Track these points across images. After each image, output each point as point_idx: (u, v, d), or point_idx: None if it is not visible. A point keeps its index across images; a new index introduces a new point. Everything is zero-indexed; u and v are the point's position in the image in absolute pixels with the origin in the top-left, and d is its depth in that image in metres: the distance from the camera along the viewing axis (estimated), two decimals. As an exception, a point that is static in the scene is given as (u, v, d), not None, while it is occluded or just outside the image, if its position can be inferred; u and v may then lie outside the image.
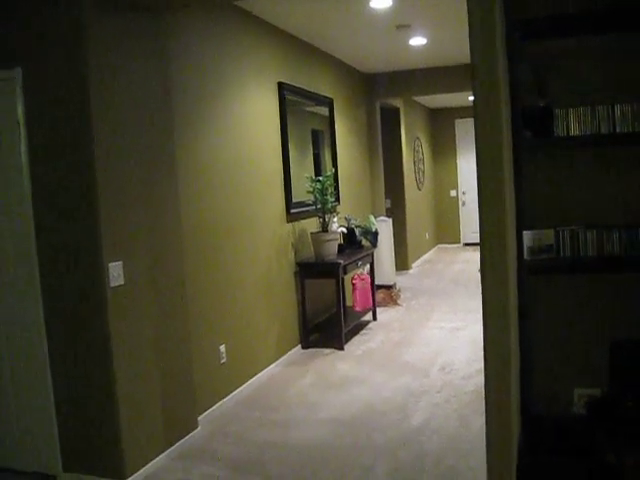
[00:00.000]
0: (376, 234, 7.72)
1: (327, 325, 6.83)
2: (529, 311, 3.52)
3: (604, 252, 3.37)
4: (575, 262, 3.41)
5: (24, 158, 3.91)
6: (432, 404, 4.90)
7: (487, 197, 3.13)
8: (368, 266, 7.53)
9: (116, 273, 3.88)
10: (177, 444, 4.40)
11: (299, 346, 6.60)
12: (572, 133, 3.33)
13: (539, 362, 3.56)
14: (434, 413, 4.73)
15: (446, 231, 14.49)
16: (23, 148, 3.90)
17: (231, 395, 5.26)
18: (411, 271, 10.99)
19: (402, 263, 10.65)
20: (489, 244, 3.14)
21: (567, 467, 3.16)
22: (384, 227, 8.84)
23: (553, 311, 3.53)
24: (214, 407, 5.01)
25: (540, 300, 3.54)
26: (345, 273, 6.61)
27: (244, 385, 5.44)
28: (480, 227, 3.16)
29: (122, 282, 3.92)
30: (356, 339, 6.81)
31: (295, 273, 6.57)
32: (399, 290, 8.41)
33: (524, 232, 3.44)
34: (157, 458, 4.21)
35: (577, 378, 3.53)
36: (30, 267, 3.99)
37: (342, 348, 6.41)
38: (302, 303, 6.55)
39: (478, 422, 3.19)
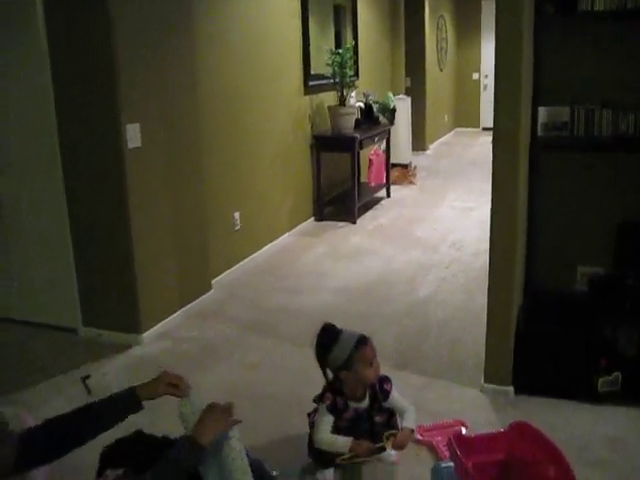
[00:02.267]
0: (394, 111, 7.66)
1: (341, 199, 6.91)
2: (539, 188, 3.56)
3: (619, 132, 3.35)
4: (589, 141, 3.40)
5: (40, 9, 3.87)
6: (440, 278, 5.04)
7: (503, 70, 3.11)
8: (384, 143, 7.53)
9: (133, 135, 3.92)
10: (191, 304, 4.59)
11: (312, 218, 6.72)
12: (597, 8, 3.23)
13: (546, 239, 3.63)
14: (441, 286, 4.87)
15: (465, 114, 14.30)
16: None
17: (244, 261, 5.42)
18: (428, 152, 10.96)
19: (419, 143, 10.60)
20: (502, 117, 3.15)
21: (565, 336, 3.29)
22: (402, 105, 8.76)
23: (563, 189, 3.56)
24: (227, 272, 5.18)
25: (551, 178, 3.56)
26: (361, 148, 6.62)
27: (257, 252, 5.59)
28: (495, 100, 3.16)
29: (139, 144, 3.98)
30: (369, 214, 6.90)
31: (311, 146, 6.59)
32: (414, 169, 8.42)
33: (539, 108, 3.42)
34: (171, 316, 4.40)
35: (581, 257, 3.60)
36: (50, 131, 4.04)
37: (355, 222, 6.52)
38: (317, 176, 6.61)
39: (483, 297, 3.30)
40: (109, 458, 2.52)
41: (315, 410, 2.78)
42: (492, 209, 3.25)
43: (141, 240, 4.06)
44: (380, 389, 2.73)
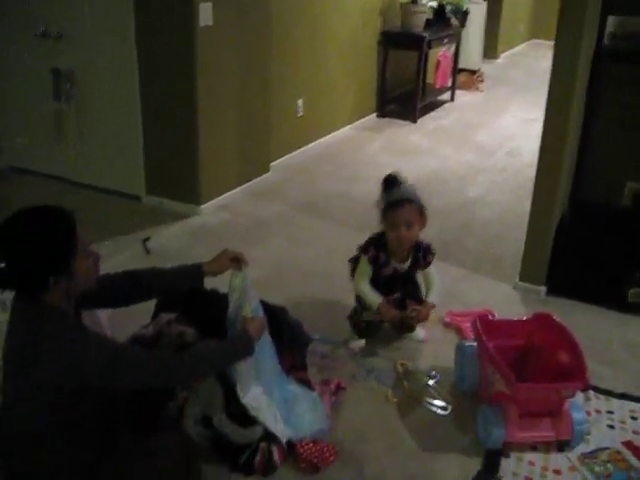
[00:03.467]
0: (466, 14, 7.54)
1: (404, 98, 6.94)
2: (598, 99, 3.58)
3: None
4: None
5: None
6: (491, 181, 5.14)
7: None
8: (454, 46, 7.45)
9: (206, 13, 4.04)
10: (249, 183, 4.81)
11: (374, 114, 6.78)
12: None
13: (598, 151, 3.66)
14: (491, 189, 4.98)
15: (543, 26, 13.81)
16: None
17: (304, 148, 5.60)
18: (498, 60, 10.73)
19: (490, 51, 10.36)
20: (565, 25, 3.15)
21: (603, 244, 3.40)
22: (477, 10, 8.57)
23: (622, 103, 3.55)
24: (287, 157, 5.36)
25: (611, 90, 3.54)
26: (429, 48, 6.59)
27: (317, 141, 5.73)
28: (560, 7, 3.16)
29: (210, 23, 4.10)
30: (431, 115, 6.93)
31: (379, 42, 6.57)
32: (482, 75, 8.32)
33: (609, 17, 3.41)
34: (230, 192, 4.64)
35: (632, 173, 3.63)
36: (125, 6, 4.18)
37: (415, 121, 6.57)
38: (382, 72, 6.62)
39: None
40: (164, 303, 2.81)
41: (356, 258, 2.96)
42: (546, 115, 3.31)
43: (206, 116, 4.25)
44: (423, 257, 2.91)
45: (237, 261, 2.41)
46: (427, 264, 2.92)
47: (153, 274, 2.43)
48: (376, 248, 2.86)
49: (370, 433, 2.55)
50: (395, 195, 2.77)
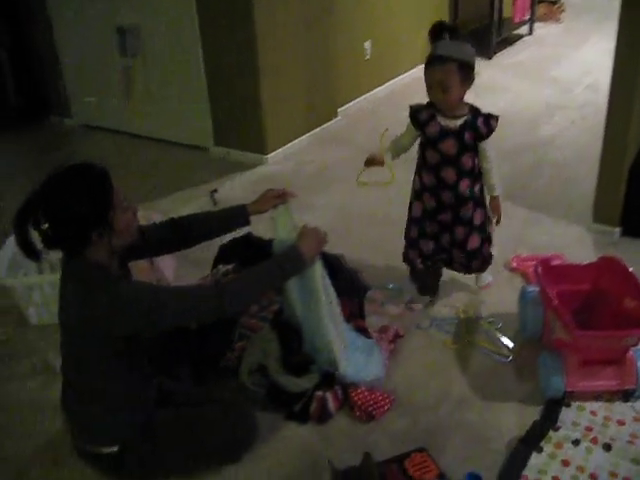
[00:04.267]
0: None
1: (478, 34, 6.66)
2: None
3: None
4: None
5: None
6: (569, 118, 4.92)
7: None
8: (533, -24, 7.09)
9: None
10: (316, 130, 4.77)
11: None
12: None
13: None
14: (568, 127, 4.77)
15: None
16: None
17: (373, 92, 5.48)
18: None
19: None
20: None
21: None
22: None
23: None
24: (354, 101, 5.27)
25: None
26: (505, -21, 6.30)
27: (386, 84, 5.59)
28: None
29: (271, -34, 4.04)
30: (507, 50, 6.65)
31: (451, -25, 6.32)
32: (563, 5, 7.90)
33: None
34: (296, 140, 4.63)
35: None
36: None
37: (490, 57, 6.33)
38: (455, 5, 6.36)
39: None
40: (223, 254, 2.84)
41: None
42: (617, 45, 3.11)
43: (270, 64, 4.22)
44: (485, 122, 2.55)
45: (281, 198, 2.40)
46: (489, 131, 2.54)
47: (198, 219, 2.46)
48: (424, 106, 2.60)
49: (427, 382, 2.53)
50: (432, 51, 2.45)
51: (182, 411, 2.23)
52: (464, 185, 2.62)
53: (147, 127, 4.91)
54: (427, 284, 2.96)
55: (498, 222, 2.76)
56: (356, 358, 2.48)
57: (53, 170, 1.91)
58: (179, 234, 2.38)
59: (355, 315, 2.69)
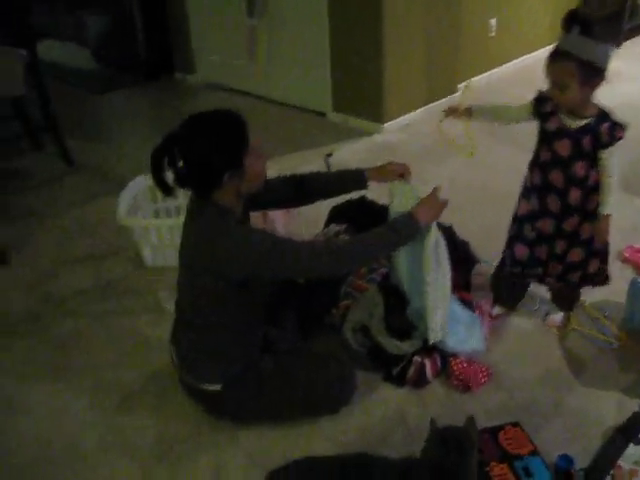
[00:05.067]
0: None
1: (608, 19, 6.38)
2: None
3: None
4: None
5: None
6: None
7: None
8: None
9: None
10: (434, 103, 4.75)
11: (576, 35, 6.35)
12: None
13: None
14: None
15: None
16: None
17: (496, 70, 5.41)
18: None
19: None
20: None
21: None
22: None
23: None
24: (478, 77, 5.20)
25: None
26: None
27: (511, 62, 5.49)
28: None
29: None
30: (638, 39, 6.38)
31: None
32: None
33: None
34: (414, 112, 4.64)
35: None
36: None
37: (620, 45, 6.09)
38: (587, -10, 6.15)
39: None
40: (336, 214, 2.91)
41: None
42: None
43: (393, 35, 4.23)
44: (609, 129, 2.23)
45: (401, 175, 2.40)
46: (612, 140, 2.22)
47: (319, 178, 2.53)
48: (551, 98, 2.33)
49: (527, 360, 2.53)
50: (557, 44, 2.21)
51: (285, 359, 2.31)
52: (574, 195, 2.34)
53: (268, 88, 5.02)
54: (506, 294, 2.76)
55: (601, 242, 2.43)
56: (457, 329, 2.49)
57: (193, 113, 2.01)
58: (299, 190, 2.46)
59: (460, 286, 2.69)
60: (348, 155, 4.17)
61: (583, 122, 2.26)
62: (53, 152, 4.38)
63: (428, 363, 2.41)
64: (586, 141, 2.25)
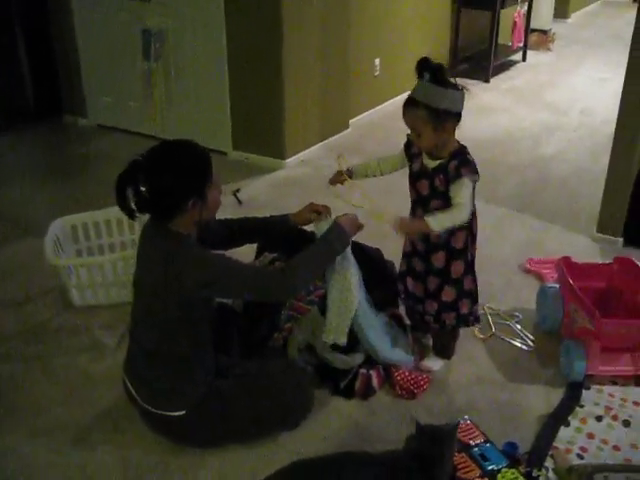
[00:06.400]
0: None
1: (476, 58, 7.00)
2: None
3: None
4: None
5: None
6: (566, 139, 5.22)
7: None
8: (526, 5, 7.44)
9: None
10: (329, 139, 5.02)
11: (446, 74, 6.85)
12: None
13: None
14: (566, 147, 5.07)
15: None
16: None
17: (381, 106, 5.76)
18: (569, 20, 10.57)
19: (561, 10, 10.21)
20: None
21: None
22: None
23: None
24: (364, 114, 5.55)
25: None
26: (502, 7, 6.63)
27: (394, 99, 5.83)
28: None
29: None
30: (503, 75, 6.97)
31: (452, 0, 6.64)
32: (553, 35, 8.29)
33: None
34: (312, 147, 4.88)
35: None
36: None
37: (488, 81, 6.64)
38: (455, 31, 6.68)
39: (607, 160, 3.55)
40: (267, 244, 3.05)
41: None
42: (627, 71, 3.41)
43: (290, 75, 4.46)
44: (456, 167, 2.33)
45: (320, 213, 2.55)
46: (456, 176, 2.31)
47: (247, 224, 2.67)
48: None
49: (460, 366, 2.76)
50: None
51: (244, 380, 2.41)
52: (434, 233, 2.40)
53: (165, 129, 5.07)
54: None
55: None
56: (385, 342, 2.64)
57: (164, 141, 2.17)
58: (232, 234, 2.61)
59: (389, 303, 2.89)
60: (256, 190, 4.33)
61: (437, 162, 2.38)
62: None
63: (374, 374, 2.58)
64: (438, 180, 2.38)
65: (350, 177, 2.66)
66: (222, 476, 2.26)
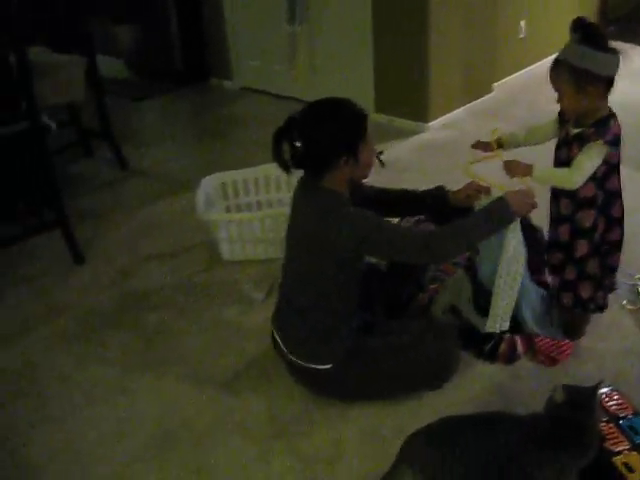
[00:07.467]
0: None
1: (630, 18, 6.60)
2: None
3: None
4: None
5: None
6: None
7: None
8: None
9: None
10: (473, 102, 4.94)
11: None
12: None
13: None
14: None
15: None
16: None
17: (526, 69, 5.59)
18: None
19: None
20: None
21: None
22: None
23: None
24: (509, 77, 5.41)
25: None
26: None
27: (540, 62, 5.63)
28: None
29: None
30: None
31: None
32: None
33: None
34: (455, 111, 4.81)
35: None
36: None
37: (642, 43, 6.26)
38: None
39: None
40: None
41: None
42: None
43: (434, 37, 4.40)
44: (594, 133, 2.20)
45: (480, 192, 2.43)
46: (588, 139, 2.19)
47: (404, 197, 2.62)
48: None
49: (607, 336, 2.66)
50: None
51: (389, 337, 2.43)
52: (563, 203, 2.37)
53: (309, 92, 5.13)
54: None
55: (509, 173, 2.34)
56: (540, 319, 2.59)
57: (319, 99, 2.20)
58: (384, 203, 2.56)
59: (538, 270, 2.82)
60: (398, 153, 4.33)
61: (579, 130, 2.26)
62: (103, 157, 4.51)
63: (519, 339, 2.54)
64: (577, 148, 2.25)
65: (501, 146, 2.54)
66: (365, 429, 2.31)
